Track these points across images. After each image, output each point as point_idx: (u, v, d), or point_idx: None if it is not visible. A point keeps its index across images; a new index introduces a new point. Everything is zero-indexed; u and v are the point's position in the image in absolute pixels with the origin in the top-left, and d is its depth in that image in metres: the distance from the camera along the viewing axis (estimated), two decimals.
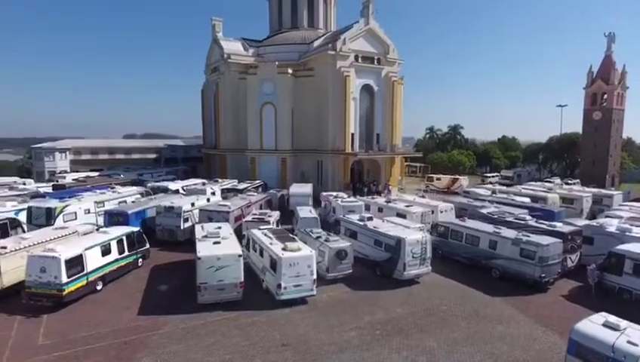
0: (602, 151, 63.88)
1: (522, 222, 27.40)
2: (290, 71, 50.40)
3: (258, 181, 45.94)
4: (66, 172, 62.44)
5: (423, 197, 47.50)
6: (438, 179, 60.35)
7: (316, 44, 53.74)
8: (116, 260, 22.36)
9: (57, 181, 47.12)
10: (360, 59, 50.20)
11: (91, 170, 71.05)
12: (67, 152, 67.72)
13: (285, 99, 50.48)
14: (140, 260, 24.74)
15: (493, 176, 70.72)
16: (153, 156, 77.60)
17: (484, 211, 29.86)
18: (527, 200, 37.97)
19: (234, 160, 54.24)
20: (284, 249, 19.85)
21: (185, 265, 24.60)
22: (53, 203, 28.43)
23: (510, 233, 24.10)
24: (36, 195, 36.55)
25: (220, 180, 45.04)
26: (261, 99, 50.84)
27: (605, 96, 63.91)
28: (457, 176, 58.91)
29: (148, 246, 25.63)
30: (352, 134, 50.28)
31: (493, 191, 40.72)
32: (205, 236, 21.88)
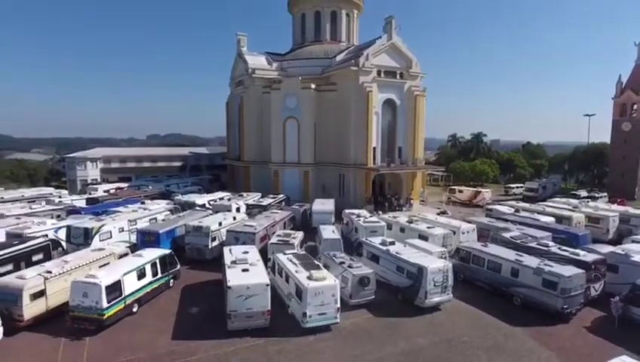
0: (632, 164, 62.46)
1: (545, 248, 27.43)
2: (313, 86, 51.31)
3: (281, 195, 46.97)
4: (96, 181, 65.06)
5: (444, 213, 48.07)
6: (461, 191, 60.17)
7: (339, 58, 54.50)
8: (150, 283, 23.62)
9: (90, 193, 49.30)
10: (382, 74, 50.66)
11: (120, 179, 74.24)
12: (97, 162, 70.52)
13: (308, 113, 51.41)
14: (172, 281, 26.00)
15: (517, 187, 69.94)
16: (179, 164, 79.96)
17: (507, 235, 29.94)
18: (551, 219, 37.73)
19: (257, 172, 55.53)
20: (309, 278, 20.64)
21: (213, 286, 25.73)
22: (90, 223, 30.07)
23: (532, 261, 24.25)
24: (72, 210, 38.51)
25: (244, 195, 46.27)
26: (284, 114, 51.90)
27: (635, 106, 62.47)
28: (480, 189, 58.56)
29: (179, 266, 26.87)
30: (374, 148, 50.78)
31: (517, 210, 40.52)
32: (234, 262, 22.88)
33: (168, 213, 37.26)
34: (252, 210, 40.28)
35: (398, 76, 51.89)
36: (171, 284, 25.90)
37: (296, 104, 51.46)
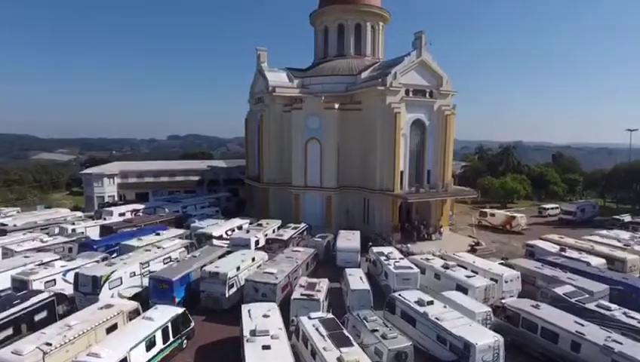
0: None
1: (607, 312, 23.93)
2: (336, 106, 48.42)
3: (302, 225, 44.22)
4: (112, 201, 63.30)
5: (477, 244, 44.55)
6: (493, 214, 56.38)
7: (364, 75, 51.47)
8: (161, 351, 21.21)
9: (105, 218, 47.56)
10: (411, 93, 47.46)
11: (137, 195, 72.85)
12: (114, 178, 69.15)
13: (331, 134, 48.56)
14: (185, 341, 23.54)
15: (552, 208, 65.58)
16: (196, 178, 78.14)
17: (560, 292, 26.42)
18: (601, 261, 34.00)
19: (277, 195, 52.99)
20: (339, 360, 17.87)
21: (231, 345, 23.06)
22: (99, 269, 27.94)
23: (597, 334, 20.87)
24: (85, 243, 36.61)
25: (263, 223, 43.68)
26: (306, 135, 49.19)
27: None
28: (514, 214, 54.59)
29: (193, 324, 24.40)
30: (402, 172, 47.61)
31: (562, 248, 36.74)
32: (253, 333, 20.24)
33: (183, 249, 34.94)
34: (272, 245, 37.68)
35: (427, 95, 48.57)
36: (184, 346, 23.44)
37: (319, 125, 48.67)
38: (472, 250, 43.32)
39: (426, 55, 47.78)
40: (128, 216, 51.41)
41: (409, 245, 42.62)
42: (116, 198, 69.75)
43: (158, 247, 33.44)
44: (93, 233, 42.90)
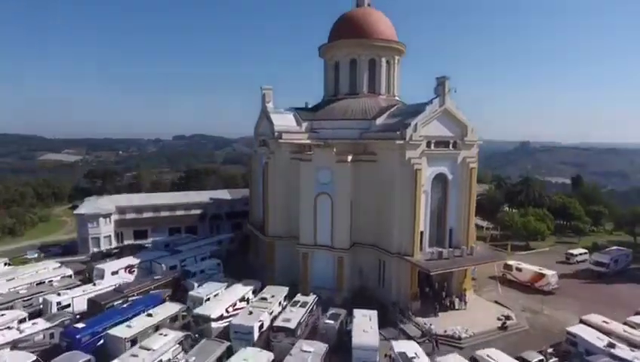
0: None
1: None
2: (349, 158, 43.70)
3: (311, 298, 39.63)
4: (107, 250, 58.66)
5: (508, 318, 39.77)
6: (519, 269, 51.45)
7: (379, 121, 46.77)
8: None
9: (95, 283, 43.24)
10: (433, 145, 42.68)
11: (135, 233, 68.82)
12: (110, 217, 64.89)
13: (344, 190, 43.90)
14: None
15: (580, 255, 60.56)
16: (198, 212, 73.88)
17: None
18: None
19: (283, 249, 48.47)
20: None
21: None
22: None
23: None
24: (67, 334, 32.29)
25: (267, 298, 39.06)
26: (316, 189, 44.58)
27: None
28: (544, 271, 49.61)
29: None
30: (422, 232, 42.93)
31: (611, 345, 31.84)
32: None
33: (177, 347, 30.51)
34: (278, 334, 33.17)
35: (450, 146, 43.78)
36: None
37: (330, 179, 44.02)
38: (502, 328, 38.67)
39: (450, 102, 42.98)
40: (122, 274, 47.21)
41: (431, 324, 37.95)
42: (112, 238, 65.66)
43: (148, 349, 28.95)
44: (81, 305, 38.74)
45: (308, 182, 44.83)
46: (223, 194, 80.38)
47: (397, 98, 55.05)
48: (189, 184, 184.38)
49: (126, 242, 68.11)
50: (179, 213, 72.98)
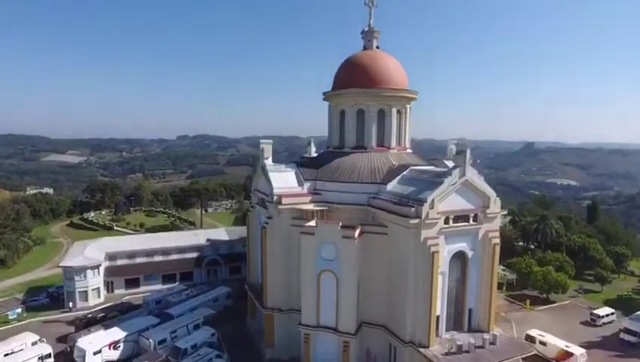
0: None
1: None
2: (357, 233, 38.88)
3: None
4: (93, 315, 53.92)
5: None
6: (543, 343, 46.58)
7: (390, 186, 41.92)
8: None
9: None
10: (451, 221, 37.92)
11: (127, 281, 64.47)
12: (99, 268, 60.39)
13: (350, 268, 39.12)
14: None
15: (606, 316, 55.58)
16: (194, 256, 69.35)
17: None
18: None
19: (283, 325, 43.98)
20: None
21: None
22: None
23: None
24: None
25: None
26: (319, 265, 39.86)
27: None
28: (572, 349, 44.68)
29: None
30: (438, 316, 38.21)
31: None
32: None
33: None
34: None
35: (471, 220, 38.98)
36: None
37: (335, 255, 39.27)
38: None
39: (471, 172, 38.15)
40: (105, 353, 42.78)
41: None
42: (102, 289, 61.21)
43: None
44: None
45: (310, 258, 40.11)
46: (221, 234, 75.85)
47: (408, 150, 50.27)
48: (191, 198, 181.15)
49: (116, 291, 63.93)
50: (173, 257, 68.54)
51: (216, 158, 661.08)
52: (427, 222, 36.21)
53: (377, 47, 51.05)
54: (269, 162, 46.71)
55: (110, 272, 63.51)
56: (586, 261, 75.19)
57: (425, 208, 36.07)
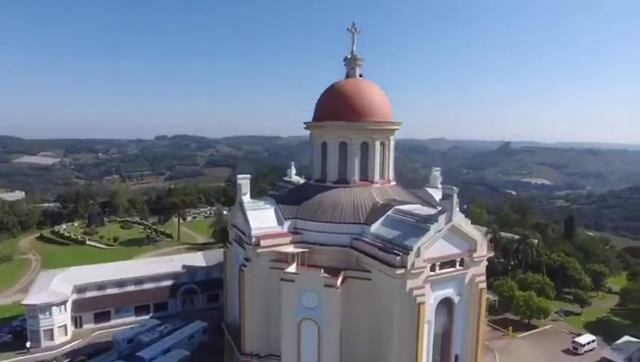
0: None
1: None
2: (339, 282, 37.00)
3: None
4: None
5: None
6: None
7: (374, 228, 40.18)
8: None
9: None
10: (438, 268, 36.54)
11: (96, 316, 61.12)
12: (65, 305, 56.71)
13: (332, 317, 37.21)
14: None
15: (588, 343, 55.51)
16: (169, 283, 66.27)
17: None
18: None
19: None
20: None
21: None
22: None
23: None
24: None
25: None
26: (300, 313, 37.83)
27: None
28: None
29: None
30: None
31: None
32: None
33: None
34: None
35: (457, 265, 37.72)
36: None
37: (317, 304, 37.29)
38: None
39: (458, 217, 36.85)
40: None
41: None
42: (69, 326, 57.61)
43: None
44: None
45: (290, 305, 38.06)
46: (197, 259, 72.91)
47: (392, 183, 48.78)
48: (169, 203, 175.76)
49: (85, 326, 60.43)
50: (147, 286, 65.29)
51: (196, 159, 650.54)
52: (413, 271, 34.68)
53: (360, 75, 49.36)
54: (246, 199, 44.43)
55: (78, 306, 59.94)
56: (565, 280, 75.74)
57: (411, 257, 34.52)
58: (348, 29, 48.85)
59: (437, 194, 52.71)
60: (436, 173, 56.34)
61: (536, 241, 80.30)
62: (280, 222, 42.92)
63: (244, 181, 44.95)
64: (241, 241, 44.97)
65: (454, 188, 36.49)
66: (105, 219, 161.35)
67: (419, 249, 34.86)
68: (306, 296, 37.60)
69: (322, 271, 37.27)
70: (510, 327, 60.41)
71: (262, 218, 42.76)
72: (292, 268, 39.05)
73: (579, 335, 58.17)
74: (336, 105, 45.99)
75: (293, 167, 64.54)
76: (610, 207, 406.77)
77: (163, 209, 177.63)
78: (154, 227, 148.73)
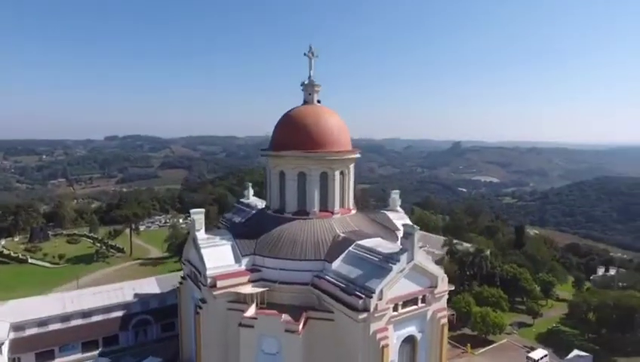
0: None
1: None
2: (301, 327, 35.68)
3: None
4: None
5: None
6: None
7: (335, 265, 39.11)
8: None
9: None
10: (400, 307, 36.12)
11: (38, 355, 56.23)
12: (1, 347, 51.66)
13: None
14: None
15: (541, 358, 57.64)
16: (120, 314, 62.18)
17: None
18: None
19: None
20: None
21: None
22: None
23: None
24: None
25: None
26: (260, 360, 36.22)
27: None
28: None
29: None
30: None
31: None
32: None
33: None
34: None
35: (420, 302, 37.52)
36: None
37: (278, 349, 35.85)
38: None
39: (420, 254, 36.62)
40: None
41: None
42: None
43: None
44: None
45: (249, 351, 36.37)
46: (151, 285, 68.75)
47: (352, 211, 48.07)
48: (119, 217, 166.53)
49: None
50: (95, 319, 60.71)
51: (149, 161, 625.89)
52: (376, 314, 34.01)
53: (319, 101, 48.24)
54: (201, 235, 42.01)
55: (17, 347, 54.68)
56: (517, 290, 78.86)
57: (373, 300, 33.80)
58: (305, 54, 47.62)
59: (396, 218, 52.92)
60: (395, 195, 56.32)
61: (489, 253, 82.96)
62: (237, 260, 40.97)
63: (197, 216, 42.46)
64: (196, 279, 42.61)
65: (415, 226, 36.22)
66: (49, 233, 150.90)
67: (381, 291, 34.23)
68: (266, 341, 36.07)
69: (282, 316, 35.77)
70: (468, 344, 61.68)
71: (218, 256, 40.63)
72: (251, 311, 37.33)
73: (532, 349, 60.39)
74: (294, 135, 44.60)
75: (250, 188, 62.68)
76: (553, 204, 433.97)
77: (114, 220, 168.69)
78: (104, 241, 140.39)
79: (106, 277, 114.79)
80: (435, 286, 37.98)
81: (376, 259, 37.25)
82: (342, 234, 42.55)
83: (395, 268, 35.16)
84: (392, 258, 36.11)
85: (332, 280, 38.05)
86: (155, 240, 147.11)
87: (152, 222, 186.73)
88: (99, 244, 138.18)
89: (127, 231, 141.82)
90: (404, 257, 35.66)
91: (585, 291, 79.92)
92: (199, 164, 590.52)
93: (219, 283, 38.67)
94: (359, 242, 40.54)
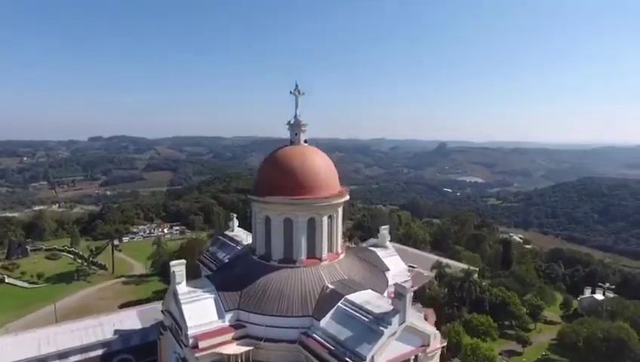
0: None
1: None
2: None
3: None
4: None
5: None
6: None
7: (324, 322, 37.42)
8: None
9: None
10: None
11: None
12: None
13: None
14: None
15: None
16: (99, 353, 59.60)
17: None
18: None
19: None
20: None
21: None
22: None
23: None
24: None
25: None
26: None
27: None
28: None
29: None
30: None
31: None
32: None
33: None
34: None
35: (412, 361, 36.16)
36: None
37: None
38: None
39: (411, 315, 35.16)
40: None
41: None
42: None
43: None
44: None
45: None
46: (132, 319, 66.02)
47: (341, 255, 46.50)
48: (100, 234, 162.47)
49: None
50: (73, 359, 58.03)
51: (134, 162, 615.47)
52: None
53: (305, 141, 46.49)
54: (181, 289, 39.85)
55: None
56: (506, 314, 78.59)
57: None
58: (291, 92, 45.84)
59: (385, 255, 51.53)
60: (384, 231, 54.86)
61: (476, 276, 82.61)
62: (220, 315, 38.98)
63: (177, 268, 40.22)
64: (177, 334, 40.52)
65: (407, 287, 34.80)
66: (28, 248, 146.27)
67: (372, 357, 32.73)
68: None
69: None
70: None
71: (200, 312, 38.58)
72: None
73: None
74: (280, 179, 42.73)
75: (235, 219, 60.80)
76: (536, 205, 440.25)
77: (96, 235, 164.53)
78: (85, 256, 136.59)
79: (87, 298, 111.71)
80: (428, 345, 36.60)
81: (367, 320, 35.64)
82: (330, 286, 40.88)
83: (387, 331, 33.63)
84: (383, 320, 34.58)
85: (320, 339, 36.35)
86: (138, 254, 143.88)
87: (135, 233, 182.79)
88: (80, 261, 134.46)
89: (110, 247, 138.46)
90: (395, 320, 34.14)
91: (573, 316, 79.93)
92: (185, 165, 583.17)
93: (201, 344, 36.68)
94: (348, 297, 38.89)
